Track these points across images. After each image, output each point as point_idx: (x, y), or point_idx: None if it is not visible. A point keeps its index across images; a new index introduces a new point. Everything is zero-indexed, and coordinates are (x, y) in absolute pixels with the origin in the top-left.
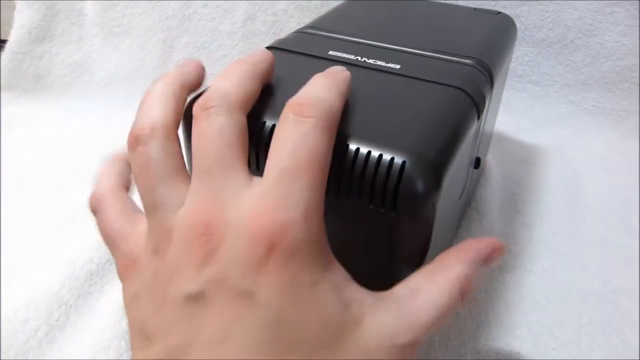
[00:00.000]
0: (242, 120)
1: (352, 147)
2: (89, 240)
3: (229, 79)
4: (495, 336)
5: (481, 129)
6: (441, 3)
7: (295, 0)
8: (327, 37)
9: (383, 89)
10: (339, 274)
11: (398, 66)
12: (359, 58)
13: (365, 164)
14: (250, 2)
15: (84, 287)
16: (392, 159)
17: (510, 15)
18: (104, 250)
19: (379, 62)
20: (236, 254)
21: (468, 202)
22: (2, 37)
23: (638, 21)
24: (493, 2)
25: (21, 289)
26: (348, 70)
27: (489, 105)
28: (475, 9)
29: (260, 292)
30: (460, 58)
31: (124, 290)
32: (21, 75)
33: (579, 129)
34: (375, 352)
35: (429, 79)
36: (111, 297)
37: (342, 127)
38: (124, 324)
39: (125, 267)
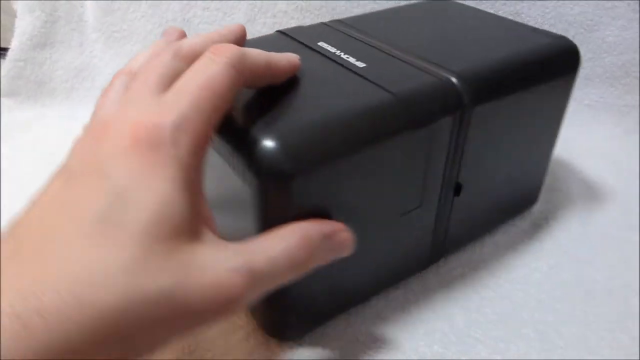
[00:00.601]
0: (182, 68)
1: (238, 123)
2: None
3: (194, 38)
4: (501, 335)
5: (446, 151)
6: (498, 17)
7: (295, 1)
8: (337, 30)
9: (323, 80)
10: (204, 208)
11: (363, 65)
12: (337, 52)
13: (239, 141)
14: (249, 4)
15: None
16: (260, 140)
17: (510, 12)
18: None
19: (350, 59)
20: (111, 143)
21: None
22: (3, 45)
23: (639, 15)
24: (492, 1)
25: None
26: (315, 60)
27: (471, 129)
28: (532, 28)
29: (114, 171)
30: (442, 70)
31: None
32: (23, 82)
33: (581, 124)
34: (207, 268)
35: (372, 80)
36: None
37: (247, 105)
38: None
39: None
